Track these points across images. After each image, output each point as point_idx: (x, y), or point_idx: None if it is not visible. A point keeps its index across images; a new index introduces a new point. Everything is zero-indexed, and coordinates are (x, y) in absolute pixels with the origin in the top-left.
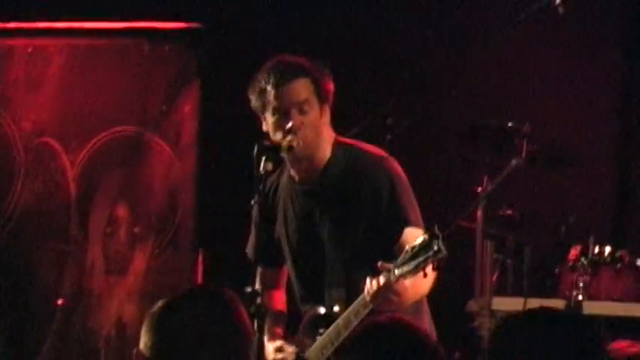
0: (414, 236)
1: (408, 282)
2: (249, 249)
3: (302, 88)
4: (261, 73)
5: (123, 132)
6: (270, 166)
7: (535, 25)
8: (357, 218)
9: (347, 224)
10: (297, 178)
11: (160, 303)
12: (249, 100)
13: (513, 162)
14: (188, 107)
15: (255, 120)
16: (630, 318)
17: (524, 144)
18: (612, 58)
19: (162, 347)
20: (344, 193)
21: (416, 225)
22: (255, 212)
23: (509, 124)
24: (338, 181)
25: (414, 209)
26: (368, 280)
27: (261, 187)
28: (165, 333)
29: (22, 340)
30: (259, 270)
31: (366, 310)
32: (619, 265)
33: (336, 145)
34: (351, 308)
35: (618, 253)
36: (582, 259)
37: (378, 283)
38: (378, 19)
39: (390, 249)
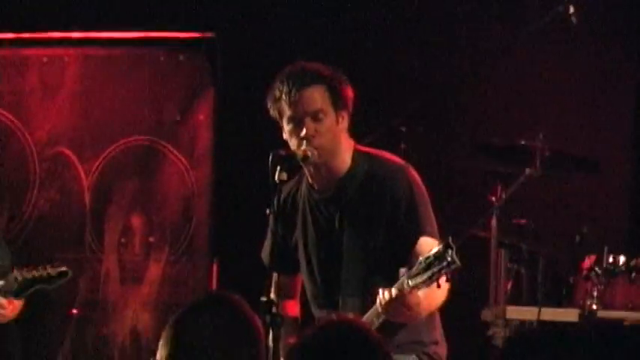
0: (429, 246)
1: (421, 294)
2: (265, 255)
3: (316, 96)
4: (276, 81)
5: (137, 141)
6: (284, 175)
7: (548, 34)
8: (376, 226)
9: (366, 232)
10: (316, 186)
11: (175, 315)
12: (266, 109)
13: (527, 171)
14: (203, 116)
15: (270, 128)
16: None
17: (538, 154)
18: (627, 67)
19: (178, 357)
20: (363, 201)
21: (431, 235)
22: (271, 220)
23: (522, 142)
24: (358, 189)
25: (430, 220)
26: (381, 290)
27: (276, 196)
28: (180, 344)
29: (37, 349)
30: (275, 277)
31: (380, 320)
32: (634, 275)
33: (356, 153)
34: (364, 318)
35: (633, 262)
36: (597, 268)
37: (391, 294)
38: (394, 29)
39: (405, 258)
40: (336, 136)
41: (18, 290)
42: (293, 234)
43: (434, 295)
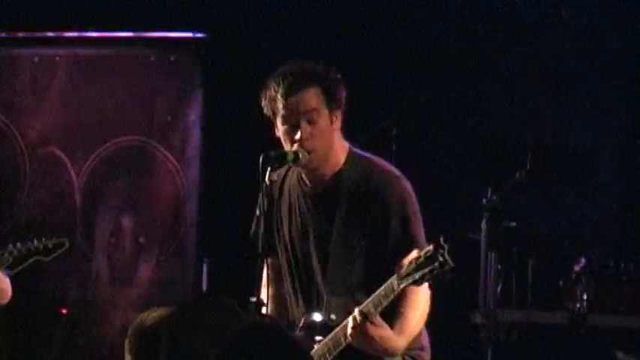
0: None
1: (397, 329)
2: (254, 235)
3: (311, 98)
4: (271, 80)
5: (128, 142)
6: (275, 176)
7: (542, 36)
8: (362, 230)
9: (353, 234)
10: (307, 181)
11: (167, 316)
12: (256, 109)
13: (518, 174)
14: (193, 117)
15: (260, 129)
16: (634, 330)
17: (529, 157)
18: (620, 70)
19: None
20: (354, 203)
21: (422, 248)
22: (261, 199)
23: (512, 143)
24: (350, 190)
25: (421, 232)
26: (350, 317)
27: (266, 196)
28: (173, 346)
29: (27, 349)
30: (270, 262)
31: (339, 348)
32: (623, 278)
33: (351, 154)
34: (346, 322)
35: (622, 266)
36: (586, 271)
37: (355, 320)
38: (386, 30)
39: (391, 267)
40: (330, 137)
41: (13, 263)
42: (279, 218)
43: (412, 323)
